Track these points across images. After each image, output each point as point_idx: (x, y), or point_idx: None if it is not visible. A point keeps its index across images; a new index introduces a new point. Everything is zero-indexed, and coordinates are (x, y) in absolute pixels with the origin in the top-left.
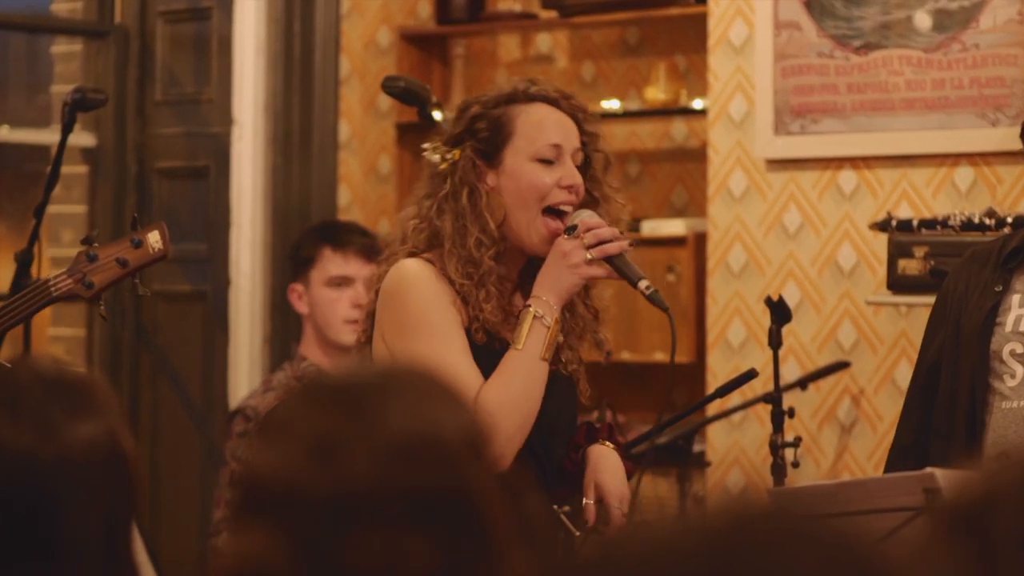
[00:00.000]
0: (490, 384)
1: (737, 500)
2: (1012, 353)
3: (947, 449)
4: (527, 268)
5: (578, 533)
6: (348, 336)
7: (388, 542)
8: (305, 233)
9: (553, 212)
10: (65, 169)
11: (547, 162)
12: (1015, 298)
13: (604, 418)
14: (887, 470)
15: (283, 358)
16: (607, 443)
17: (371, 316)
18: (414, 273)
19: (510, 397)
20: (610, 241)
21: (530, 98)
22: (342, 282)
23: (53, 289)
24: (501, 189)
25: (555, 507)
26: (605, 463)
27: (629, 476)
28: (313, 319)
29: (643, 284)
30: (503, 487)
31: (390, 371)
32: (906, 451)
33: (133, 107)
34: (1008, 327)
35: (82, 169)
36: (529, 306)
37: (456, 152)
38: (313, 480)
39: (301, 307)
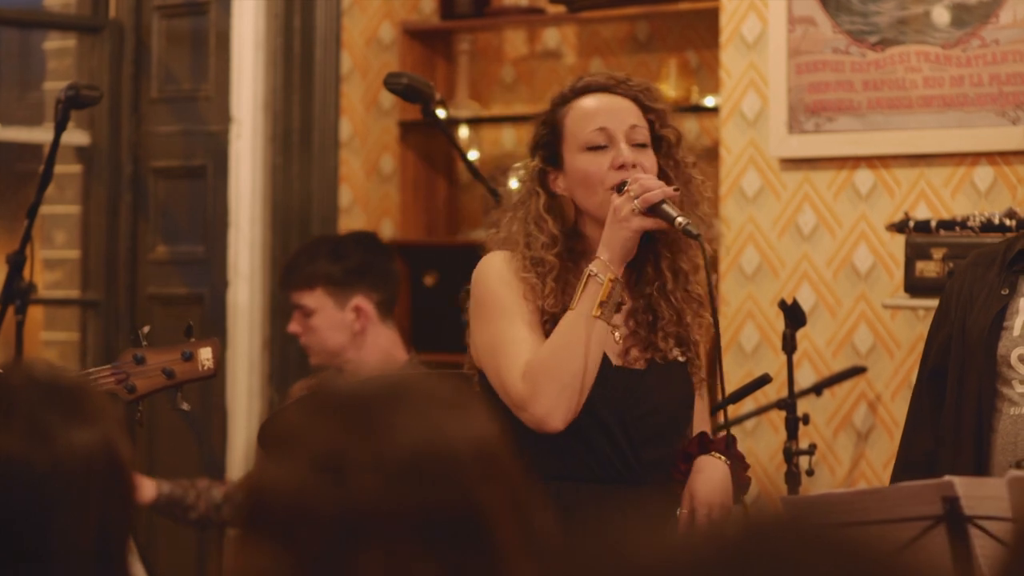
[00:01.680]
0: (540, 348)
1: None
2: (1021, 358)
3: (954, 457)
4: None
5: None
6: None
7: (394, 561)
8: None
9: (619, 191)
10: (58, 168)
11: (599, 148)
12: (1022, 301)
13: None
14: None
15: (283, 363)
16: (718, 455)
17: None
18: (488, 263)
19: (553, 355)
20: (654, 191)
21: (579, 92)
22: (294, 311)
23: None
24: (569, 188)
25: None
26: (706, 473)
27: (745, 489)
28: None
29: (678, 221)
30: (514, 503)
31: (399, 381)
32: (915, 467)
33: (128, 104)
34: (1016, 331)
35: (76, 168)
36: (588, 268)
37: (531, 162)
38: (320, 497)
39: (358, 325)
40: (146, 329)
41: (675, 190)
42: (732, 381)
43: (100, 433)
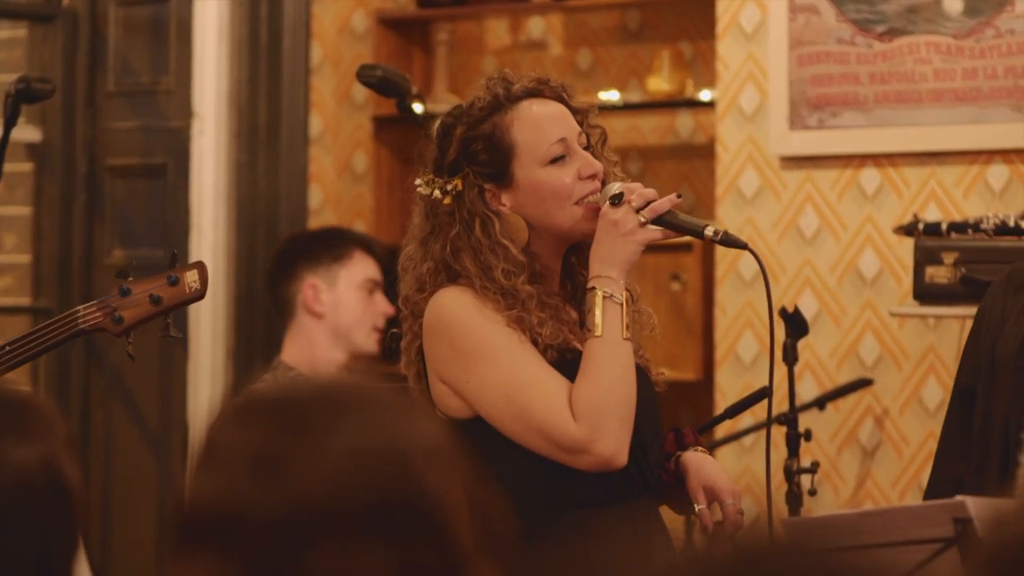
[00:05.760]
0: (579, 382)
1: (748, 531)
2: None
3: (979, 483)
4: (567, 279)
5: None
6: (374, 345)
7: (345, 559)
8: (325, 232)
9: (584, 202)
10: (8, 166)
11: (559, 159)
12: None
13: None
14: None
15: (248, 374)
16: (699, 448)
17: (417, 354)
18: (454, 299)
19: (605, 389)
20: (656, 200)
21: (514, 99)
22: (374, 288)
23: (80, 321)
24: (521, 206)
25: (697, 507)
26: (709, 466)
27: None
28: (333, 322)
29: (709, 231)
30: (468, 497)
31: (333, 384)
32: (943, 495)
33: (83, 98)
34: None
35: (27, 167)
36: (594, 288)
37: (457, 182)
38: (258, 502)
39: (317, 307)
40: (132, 264)
41: (678, 196)
42: (729, 394)
43: (42, 451)
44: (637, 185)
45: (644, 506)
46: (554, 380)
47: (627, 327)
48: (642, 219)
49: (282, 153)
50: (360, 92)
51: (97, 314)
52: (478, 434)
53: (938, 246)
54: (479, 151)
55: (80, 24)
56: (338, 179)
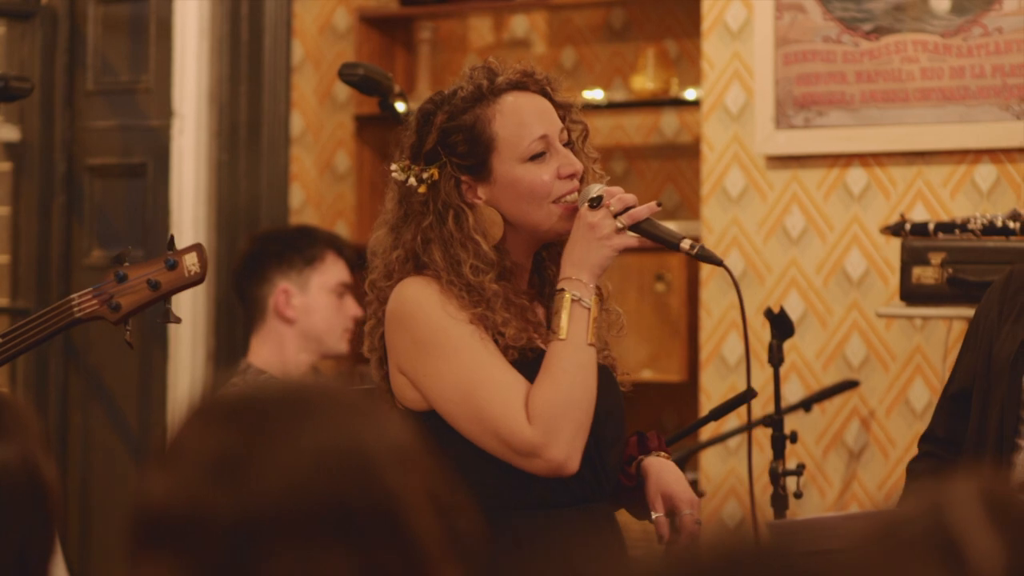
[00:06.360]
0: (538, 385)
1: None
2: None
3: None
4: (536, 267)
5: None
6: (345, 347)
7: (306, 562)
8: (296, 233)
9: (562, 202)
10: None
11: (540, 156)
12: None
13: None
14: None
15: (215, 378)
16: (661, 454)
17: (380, 340)
18: (418, 290)
19: (564, 394)
20: (636, 206)
21: (497, 91)
22: (345, 291)
23: (76, 310)
24: (497, 201)
25: (653, 515)
26: (669, 473)
27: None
28: (304, 326)
29: (685, 244)
30: (432, 497)
31: (297, 387)
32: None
33: (62, 97)
34: None
35: (4, 166)
36: (562, 290)
37: (434, 171)
38: (216, 504)
39: (288, 312)
40: (128, 249)
41: (658, 205)
42: (714, 396)
43: (17, 451)
44: (617, 189)
45: (598, 511)
46: (512, 380)
47: (592, 332)
48: (619, 224)
49: (263, 152)
50: (342, 91)
51: (93, 302)
52: (433, 428)
53: (925, 246)
54: (459, 142)
55: (59, 22)
56: (320, 178)
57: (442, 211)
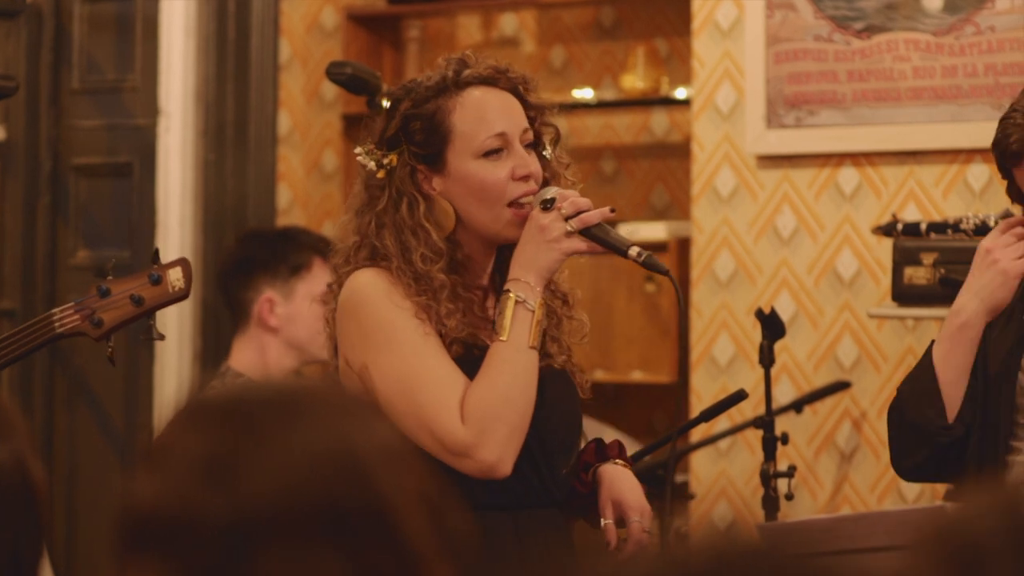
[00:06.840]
0: (475, 384)
1: (724, 537)
2: None
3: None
4: (499, 265)
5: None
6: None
7: (296, 563)
8: (283, 238)
9: (516, 206)
10: None
11: (495, 153)
12: None
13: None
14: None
15: (196, 381)
16: (619, 462)
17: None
18: (367, 282)
19: (500, 395)
20: (589, 210)
21: (462, 84)
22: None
23: (57, 325)
24: (451, 194)
25: (602, 522)
26: (622, 481)
27: None
28: (287, 335)
29: (633, 251)
30: (423, 498)
31: (285, 387)
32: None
33: (47, 96)
34: None
35: None
36: (508, 291)
37: (393, 157)
38: (207, 505)
39: (272, 320)
40: (112, 263)
41: (611, 211)
42: (705, 397)
43: (8, 452)
44: (572, 192)
45: (543, 515)
46: (451, 378)
47: (536, 335)
48: (570, 228)
49: (250, 152)
50: (329, 90)
51: (75, 317)
52: None
53: (917, 247)
54: (417, 130)
55: (44, 20)
56: (307, 178)
57: (396, 197)
